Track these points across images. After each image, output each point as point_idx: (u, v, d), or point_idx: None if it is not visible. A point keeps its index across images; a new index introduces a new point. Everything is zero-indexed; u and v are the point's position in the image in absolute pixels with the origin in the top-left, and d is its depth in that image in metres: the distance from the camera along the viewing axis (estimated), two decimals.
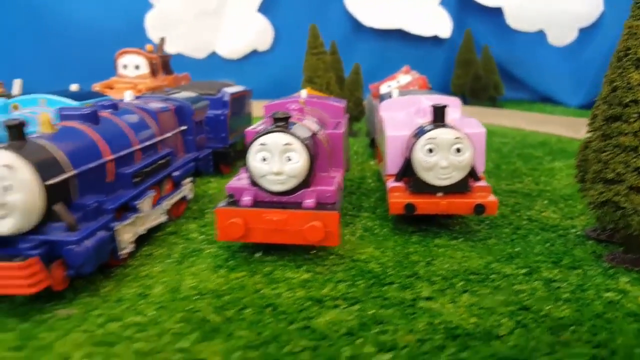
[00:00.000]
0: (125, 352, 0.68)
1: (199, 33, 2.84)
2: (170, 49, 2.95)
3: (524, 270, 0.92)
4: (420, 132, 1.06)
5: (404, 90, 1.46)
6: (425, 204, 1.06)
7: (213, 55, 2.95)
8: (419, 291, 0.85)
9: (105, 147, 0.91)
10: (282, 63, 3.05)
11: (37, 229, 0.77)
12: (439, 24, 3.08)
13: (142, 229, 0.97)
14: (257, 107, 1.70)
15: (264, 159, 0.93)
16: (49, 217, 0.77)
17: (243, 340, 0.71)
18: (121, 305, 0.80)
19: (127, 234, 0.90)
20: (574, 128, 2.58)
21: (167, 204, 1.09)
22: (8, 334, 0.72)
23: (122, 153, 0.94)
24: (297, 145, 0.92)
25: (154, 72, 1.70)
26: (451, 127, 1.05)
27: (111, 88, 1.62)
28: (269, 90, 2.49)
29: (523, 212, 1.27)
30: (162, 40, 1.85)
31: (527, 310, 0.78)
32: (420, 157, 1.05)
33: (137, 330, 0.73)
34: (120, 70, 1.70)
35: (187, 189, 1.20)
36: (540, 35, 3.16)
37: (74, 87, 1.44)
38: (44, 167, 0.76)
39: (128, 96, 1.17)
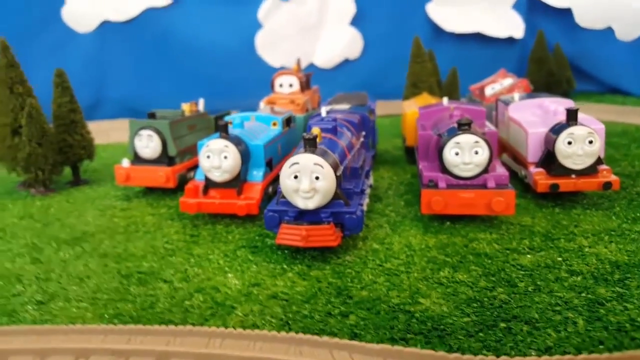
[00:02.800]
0: (410, 278, 1.06)
1: (300, 47, 3.24)
2: (275, 62, 3.38)
3: None
4: (560, 129, 1.41)
5: (522, 94, 1.81)
6: (565, 183, 1.42)
7: (311, 66, 3.35)
8: (580, 242, 1.21)
9: (346, 149, 1.30)
10: (370, 70, 3.43)
11: (326, 205, 1.17)
12: (512, 25, 3.39)
13: (364, 207, 1.36)
14: None
15: (457, 153, 1.30)
16: (333, 196, 1.17)
17: (479, 271, 1.08)
18: (386, 253, 1.19)
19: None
20: None
21: (368, 190, 1.49)
22: (326, 270, 1.11)
23: (352, 153, 1.34)
24: (482, 142, 1.28)
25: (302, 89, 2.10)
26: (584, 125, 1.40)
27: (274, 103, 2.02)
28: None
29: (630, 189, 1.60)
30: (299, 60, 2.25)
31: None
32: (561, 147, 1.40)
33: (405, 267, 1.12)
34: (277, 89, 2.11)
35: (372, 179, 1.59)
36: (609, 31, 3.42)
37: (262, 105, 1.85)
38: (334, 164, 1.15)
39: (324, 112, 1.56)
